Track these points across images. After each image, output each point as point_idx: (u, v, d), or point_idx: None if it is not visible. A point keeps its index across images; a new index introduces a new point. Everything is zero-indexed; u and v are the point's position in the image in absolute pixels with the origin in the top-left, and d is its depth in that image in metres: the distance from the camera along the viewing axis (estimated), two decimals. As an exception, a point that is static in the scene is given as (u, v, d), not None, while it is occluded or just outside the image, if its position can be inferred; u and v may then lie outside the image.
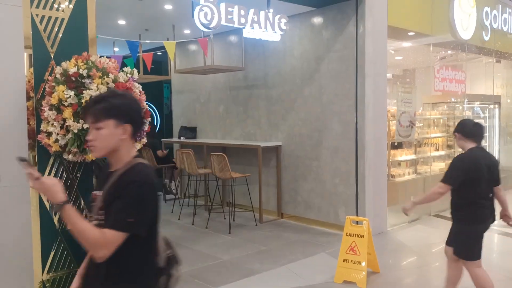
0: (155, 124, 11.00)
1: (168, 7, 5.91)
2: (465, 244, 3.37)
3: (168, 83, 9.66)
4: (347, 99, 5.87)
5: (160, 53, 8.44)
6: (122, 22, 6.83)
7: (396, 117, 6.31)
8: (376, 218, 5.89)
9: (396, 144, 7.52)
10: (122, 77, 2.82)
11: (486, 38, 8.09)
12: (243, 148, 7.09)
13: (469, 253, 3.35)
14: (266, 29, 4.69)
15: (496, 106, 9.40)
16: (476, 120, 3.71)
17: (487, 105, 9.25)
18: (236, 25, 4.43)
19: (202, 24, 4.16)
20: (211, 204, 7.09)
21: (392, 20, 6.06)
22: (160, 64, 9.44)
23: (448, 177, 3.31)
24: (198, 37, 6.37)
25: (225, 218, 6.67)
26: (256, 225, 6.46)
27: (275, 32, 4.87)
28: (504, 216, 3.53)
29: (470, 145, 3.39)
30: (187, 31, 7.32)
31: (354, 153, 5.82)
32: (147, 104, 10.41)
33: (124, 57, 7.68)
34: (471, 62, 9.33)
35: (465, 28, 7.45)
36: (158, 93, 10.59)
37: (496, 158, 3.55)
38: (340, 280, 4.22)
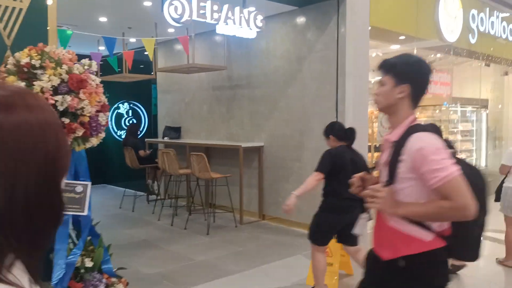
0: (140, 123, 10.92)
1: (147, 3, 5.83)
2: (316, 228, 3.70)
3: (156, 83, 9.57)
4: (328, 100, 5.80)
5: (147, 53, 8.38)
6: (103, 19, 6.75)
7: (378, 119, 6.25)
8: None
9: (379, 145, 7.45)
10: (77, 69, 2.73)
11: (473, 41, 8.04)
12: (226, 149, 7.00)
13: (319, 238, 3.70)
14: (241, 25, 4.62)
15: (484, 109, 9.35)
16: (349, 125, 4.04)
17: (475, 109, 9.20)
18: (208, 20, 4.36)
19: (173, 19, 4.09)
20: (191, 205, 7.00)
21: (375, 21, 6.01)
22: (148, 63, 9.36)
23: (320, 166, 3.63)
24: (182, 35, 6.29)
25: (205, 219, 6.57)
26: (236, 226, 6.36)
27: (251, 29, 4.80)
28: None
29: (340, 144, 3.78)
30: (171, 30, 7.25)
31: (334, 154, 5.74)
32: (133, 104, 10.24)
33: (106, 56, 7.62)
34: (461, 65, 9.30)
35: (451, 31, 7.41)
36: (147, 93, 10.52)
37: (364, 157, 3.95)
38: (312, 282, 4.12)
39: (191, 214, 6.71)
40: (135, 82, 8.89)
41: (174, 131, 8.31)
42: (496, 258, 4.80)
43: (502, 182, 4.68)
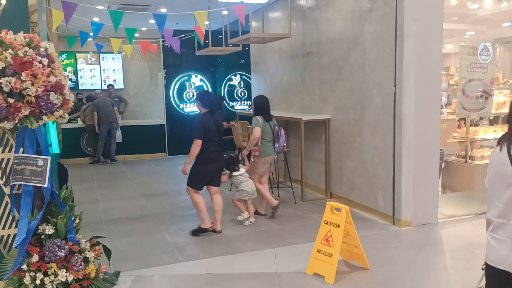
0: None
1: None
2: (193, 177, 4.76)
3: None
4: (386, 65, 5.00)
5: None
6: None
7: (459, 87, 5.12)
8: (421, 206, 4.97)
9: (479, 119, 6.16)
10: (23, 52, 2.93)
11: None
12: (298, 122, 6.67)
13: (194, 183, 4.77)
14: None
15: None
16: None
17: None
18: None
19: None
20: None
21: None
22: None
23: (196, 133, 4.61)
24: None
25: (272, 193, 6.46)
26: (295, 202, 6.10)
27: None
28: None
29: (204, 110, 4.77)
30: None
31: (392, 130, 4.97)
32: (245, 75, 10.36)
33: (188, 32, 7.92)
34: None
35: None
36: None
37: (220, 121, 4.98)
38: (311, 271, 3.74)
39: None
40: (244, 53, 9.08)
41: (261, 102, 8.26)
42: None
43: None
